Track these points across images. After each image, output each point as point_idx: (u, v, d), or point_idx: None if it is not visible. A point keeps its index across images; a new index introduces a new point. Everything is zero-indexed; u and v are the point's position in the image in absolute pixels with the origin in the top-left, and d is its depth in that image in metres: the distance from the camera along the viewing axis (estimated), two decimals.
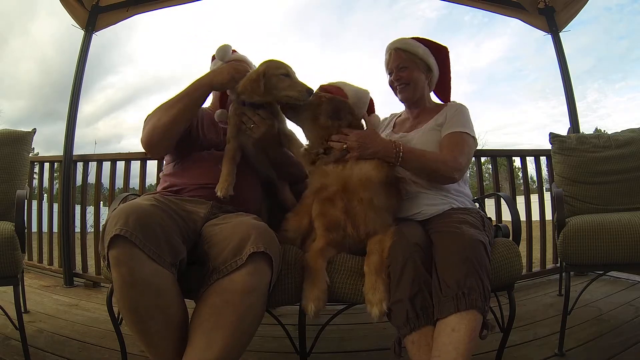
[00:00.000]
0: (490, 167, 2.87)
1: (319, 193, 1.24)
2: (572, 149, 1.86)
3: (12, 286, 1.32)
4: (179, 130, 1.28)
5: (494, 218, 2.22)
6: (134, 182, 2.51)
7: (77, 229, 2.68)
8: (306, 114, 1.29)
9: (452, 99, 1.55)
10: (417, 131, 1.43)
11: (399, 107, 1.63)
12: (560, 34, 2.55)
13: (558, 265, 2.38)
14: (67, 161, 2.48)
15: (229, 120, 1.36)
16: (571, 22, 2.52)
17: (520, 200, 2.34)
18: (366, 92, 1.45)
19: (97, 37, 2.55)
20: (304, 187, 1.43)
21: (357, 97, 1.40)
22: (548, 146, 1.97)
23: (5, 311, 1.43)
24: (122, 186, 2.55)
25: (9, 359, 1.38)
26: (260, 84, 1.22)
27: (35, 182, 3.17)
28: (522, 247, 1.49)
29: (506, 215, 1.66)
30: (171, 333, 0.96)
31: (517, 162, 2.69)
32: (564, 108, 2.57)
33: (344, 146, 1.22)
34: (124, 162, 2.49)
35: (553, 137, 1.93)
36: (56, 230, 2.62)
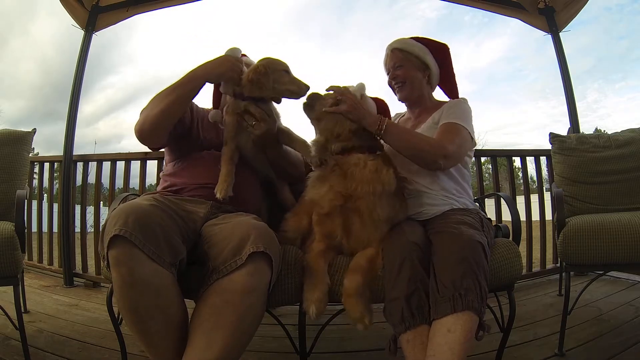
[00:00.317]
0: (490, 167, 2.87)
1: (319, 208, 1.23)
2: (572, 149, 1.86)
3: (12, 286, 1.32)
4: (171, 122, 1.25)
5: (494, 218, 2.23)
6: (134, 182, 2.52)
7: (77, 229, 2.68)
8: (330, 117, 1.29)
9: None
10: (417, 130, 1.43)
11: (400, 107, 1.63)
12: (560, 34, 2.55)
13: (558, 265, 2.38)
14: (67, 161, 2.48)
15: (226, 120, 1.34)
16: (571, 22, 2.52)
17: (520, 200, 2.34)
18: (362, 85, 1.43)
19: (97, 37, 2.55)
20: (303, 187, 1.43)
21: (359, 92, 1.38)
22: (548, 146, 1.97)
23: (5, 311, 1.43)
24: (122, 186, 2.55)
25: (9, 359, 1.38)
26: (269, 77, 1.24)
27: (35, 182, 3.17)
28: (522, 247, 1.50)
29: (506, 215, 1.66)
30: (171, 333, 0.96)
31: (517, 162, 2.69)
32: (564, 108, 2.57)
33: (338, 97, 1.27)
34: (124, 162, 2.49)
35: (553, 137, 1.93)
36: (56, 230, 2.62)
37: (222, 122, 1.36)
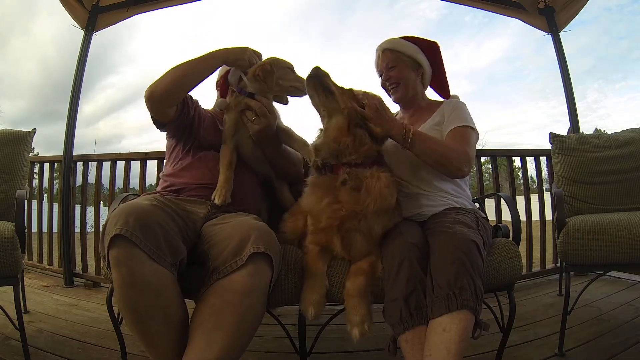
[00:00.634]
0: (490, 167, 2.87)
1: (316, 221, 1.18)
2: (572, 149, 1.86)
3: (12, 286, 1.32)
4: (181, 93, 1.28)
5: (494, 218, 2.23)
6: (134, 182, 2.52)
7: (77, 229, 2.68)
8: (339, 115, 1.20)
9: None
10: None
11: (395, 107, 1.61)
12: (560, 34, 2.56)
13: (558, 265, 2.38)
14: (67, 161, 2.48)
15: (226, 118, 1.35)
16: (571, 22, 2.52)
17: (520, 200, 2.34)
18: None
19: (98, 37, 2.55)
20: (303, 187, 1.43)
21: None
22: (548, 146, 1.97)
23: (5, 311, 1.43)
24: (122, 186, 2.55)
25: (9, 359, 1.38)
26: (273, 74, 1.26)
27: (35, 182, 3.17)
28: (522, 247, 1.49)
29: (506, 215, 1.66)
30: (171, 333, 0.96)
31: (517, 162, 2.70)
32: (564, 108, 2.57)
33: (365, 101, 1.19)
34: (123, 162, 2.49)
35: (553, 137, 1.93)
36: (56, 230, 2.62)
37: (224, 119, 1.37)
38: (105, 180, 2.56)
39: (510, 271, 1.17)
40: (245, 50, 1.31)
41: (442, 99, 1.54)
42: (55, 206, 2.67)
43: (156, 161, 2.38)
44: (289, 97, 1.43)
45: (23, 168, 1.74)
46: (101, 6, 2.51)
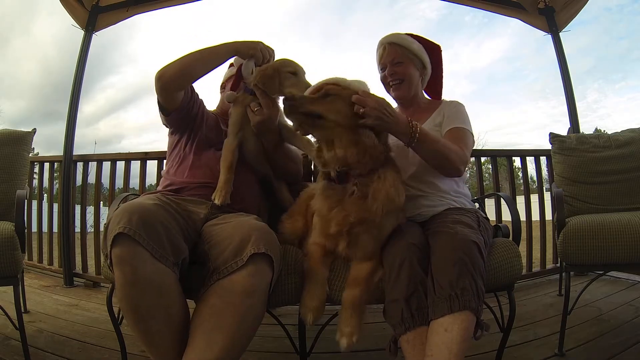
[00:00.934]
0: (490, 167, 2.87)
1: (324, 226, 1.16)
2: (572, 149, 1.86)
3: (12, 286, 1.32)
4: (190, 79, 1.30)
5: (494, 218, 2.23)
6: (134, 182, 2.52)
7: (77, 229, 2.68)
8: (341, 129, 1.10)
9: (448, 97, 1.53)
10: None
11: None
12: (560, 34, 2.55)
13: (558, 265, 2.38)
14: (67, 161, 2.48)
15: (232, 112, 1.36)
16: (571, 22, 2.52)
17: (520, 200, 2.34)
18: (365, 83, 1.41)
19: (98, 37, 2.55)
20: (302, 187, 1.43)
21: (360, 84, 1.27)
22: (548, 146, 1.97)
23: (5, 311, 1.43)
24: (122, 186, 2.55)
25: (9, 359, 1.38)
26: (275, 81, 1.26)
27: (35, 182, 3.17)
28: (522, 247, 1.49)
29: (506, 215, 1.66)
30: (172, 333, 0.96)
31: (517, 162, 2.69)
32: (564, 108, 2.57)
33: (361, 111, 1.06)
34: (123, 162, 2.49)
35: (553, 137, 1.93)
36: (56, 230, 2.62)
37: (230, 114, 1.38)
38: (105, 180, 2.57)
39: (510, 271, 1.17)
40: (257, 44, 1.30)
41: (439, 100, 1.53)
42: (55, 206, 2.67)
43: (156, 161, 2.38)
44: None
45: (23, 168, 1.74)
46: (101, 6, 2.51)
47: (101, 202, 3.12)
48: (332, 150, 1.10)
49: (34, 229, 2.79)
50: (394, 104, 1.50)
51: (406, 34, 1.47)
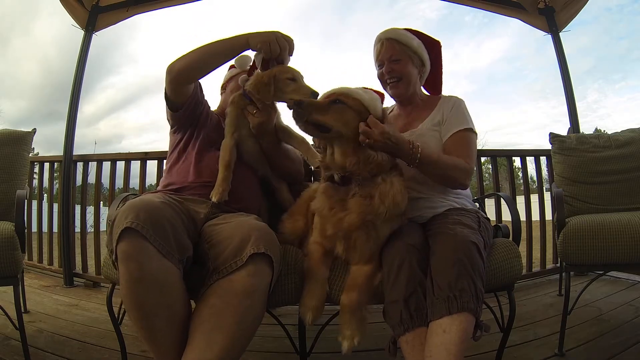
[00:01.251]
0: (490, 167, 2.87)
1: (324, 227, 1.16)
2: (572, 149, 1.86)
3: (12, 286, 1.32)
4: (201, 72, 1.29)
5: (494, 218, 2.23)
6: (134, 182, 2.52)
7: (77, 229, 2.68)
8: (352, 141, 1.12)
9: (446, 94, 1.50)
10: (413, 132, 1.38)
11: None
12: (560, 34, 2.55)
13: (558, 265, 2.38)
14: (67, 161, 2.48)
15: (228, 112, 1.36)
16: (571, 22, 2.52)
17: (520, 200, 2.34)
18: (377, 97, 1.31)
19: (98, 37, 2.55)
20: (303, 188, 1.43)
21: (371, 99, 1.24)
22: (548, 146, 1.97)
23: (5, 311, 1.43)
24: (122, 186, 2.55)
25: (9, 359, 1.38)
26: (270, 88, 1.24)
27: (35, 182, 3.17)
28: (522, 247, 1.49)
29: (506, 215, 1.66)
30: (175, 331, 0.96)
31: (517, 162, 2.69)
32: (564, 108, 2.57)
33: (367, 140, 1.09)
34: (123, 162, 2.49)
35: (553, 137, 1.93)
36: (56, 230, 2.62)
37: (227, 113, 1.37)
38: (105, 180, 2.57)
39: (510, 271, 1.17)
40: (271, 35, 1.23)
41: (438, 95, 1.49)
42: (55, 206, 2.67)
43: (156, 161, 2.39)
44: None
45: (23, 168, 1.74)
46: (101, 6, 2.51)
47: (101, 202, 3.12)
48: (333, 156, 1.14)
49: (34, 229, 2.79)
50: (391, 102, 1.51)
51: (405, 29, 1.43)
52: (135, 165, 2.48)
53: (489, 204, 2.04)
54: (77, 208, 2.71)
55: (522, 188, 3.01)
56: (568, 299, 1.43)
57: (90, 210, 2.84)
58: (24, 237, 1.36)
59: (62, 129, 2.51)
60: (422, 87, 1.51)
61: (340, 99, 1.13)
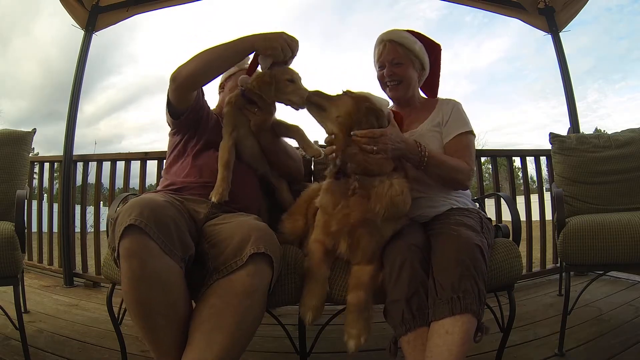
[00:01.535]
0: (490, 167, 2.87)
1: (327, 223, 1.17)
2: (572, 149, 1.86)
3: (12, 286, 1.32)
4: (207, 77, 1.28)
5: (494, 218, 2.23)
6: (134, 182, 2.52)
7: (77, 229, 2.68)
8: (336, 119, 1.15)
9: (444, 96, 1.51)
10: (413, 133, 1.38)
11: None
12: (560, 34, 2.55)
13: (558, 265, 2.38)
14: (67, 161, 2.48)
15: (225, 112, 1.36)
16: (571, 22, 2.52)
17: (520, 200, 2.34)
18: (387, 102, 1.32)
19: (99, 37, 2.55)
20: (303, 187, 1.43)
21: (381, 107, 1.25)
22: (548, 146, 1.97)
23: (5, 311, 1.43)
24: (122, 186, 2.55)
25: (9, 359, 1.38)
26: (272, 87, 1.25)
27: (35, 182, 3.17)
28: (522, 247, 1.49)
29: (506, 215, 1.66)
30: (177, 329, 0.96)
31: (517, 162, 2.69)
32: (564, 108, 2.57)
33: (374, 149, 1.10)
34: (123, 162, 2.49)
35: (553, 137, 1.93)
36: (56, 230, 2.62)
37: (225, 114, 1.37)
38: (105, 180, 2.56)
39: (510, 271, 1.17)
40: (277, 37, 1.22)
41: (434, 98, 1.51)
42: (55, 206, 2.67)
43: (156, 161, 2.38)
44: None
45: (23, 168, 1.74)
46: (101, 6, 2.51)
47: (101, 202, 3.12)
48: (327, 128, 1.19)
49: (34, 229, 2.79)
50: (389, 103, 1.50)
51: (407, 30, 1.43)
52: (135, 165, 2.48)
53: (489, 204, 2.05)
54: (77, 208, 2.71)
55: (522, 188, 3.01)
56: (568, 299, 1.43)
57: (90, 210, 2.84)
58: (24, 237, 1.36)
59: (62, 129, 2.51)
60: (419, 89, 1.52)
61: (347, 92, 1.19)
